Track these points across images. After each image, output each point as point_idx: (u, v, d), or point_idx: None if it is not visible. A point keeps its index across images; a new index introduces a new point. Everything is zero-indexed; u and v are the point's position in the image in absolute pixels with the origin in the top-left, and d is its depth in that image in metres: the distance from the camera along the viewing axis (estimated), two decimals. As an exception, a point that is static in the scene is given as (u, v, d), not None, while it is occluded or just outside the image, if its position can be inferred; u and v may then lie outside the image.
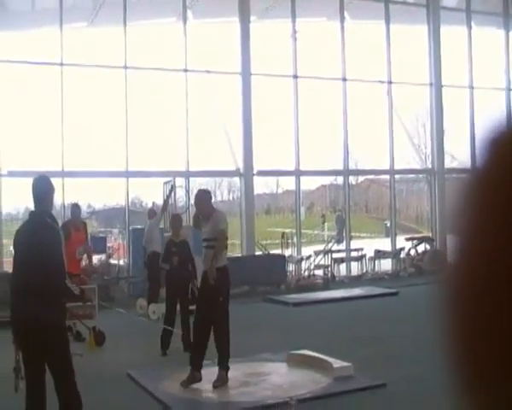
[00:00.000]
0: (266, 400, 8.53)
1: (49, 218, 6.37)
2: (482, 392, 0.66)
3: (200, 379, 9.12)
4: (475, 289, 0.65)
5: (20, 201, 20.52)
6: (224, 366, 9.22)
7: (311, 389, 8.98)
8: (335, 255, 21.68)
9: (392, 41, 23.19)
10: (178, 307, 11.55)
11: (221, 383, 9.14)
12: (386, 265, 22.45)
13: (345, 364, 9.62)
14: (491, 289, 0.63)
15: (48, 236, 6.21)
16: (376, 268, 22.16)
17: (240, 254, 20.77)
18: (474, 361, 0.66)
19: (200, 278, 9.62)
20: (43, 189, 6.47)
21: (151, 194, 20.95)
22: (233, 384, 9.26)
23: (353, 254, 22.33)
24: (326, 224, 29.90)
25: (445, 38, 24.06)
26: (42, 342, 6.00)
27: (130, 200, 20.40)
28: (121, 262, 19.53)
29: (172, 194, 16.62)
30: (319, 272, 20.92)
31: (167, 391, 9.00)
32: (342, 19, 22.60)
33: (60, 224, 8.62)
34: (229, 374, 9.29)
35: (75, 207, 13.42)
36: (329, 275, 20.94)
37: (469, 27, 24.74)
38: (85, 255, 13.11)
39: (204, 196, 9.56)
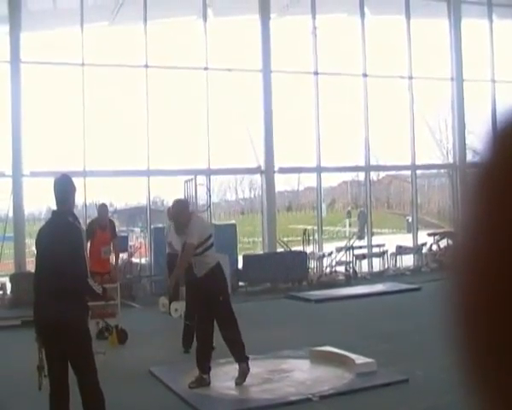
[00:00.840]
0: (289, 396, 8.54)
1: (71, 217, 6.41)
2: (489, 384, 0.66)
3: (209, 383, 9.09)
4: (484, 280, 0.65)
5: (42, 201, 20.69)
6: (242, 360, 9.21)
7: (333, 385, 8.97)
8: (357, 252, 21.62)
9: (413, 36, 23.08)
10: None
11: (243, 377, 9.15)
12: (408, 260, 22.37)
13: (367, 360, 9.60)
14: (498, 280, 0.63)
15: (70, 235, 6.24)
16: (398, 264, 22.08)
17: (261, 252, 20.81)
18: (483, 352, 0.66)
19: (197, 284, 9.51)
20: (64, 188, 6.51)
21: (172, 193, 21.00)
22: (255, 381, 9.26)
23: (375, 250, 22.26)
24: (351, 220, 29.78)
25: (466, 31, 23.91)
26: (64, 340, 6.04)
27: (151, 199, 20.46)
28: (143, 261, 19.60)
29: (194, 192, 16.67)
30: (341, 269, 20.88)
31: (189, 388, 9.02)
32: (362, 14, 22.53)
33: (85, 223, 8.73)
34: (252, 371, 9.29)
35: (102, 207, 13.45)
36: (351, 271, 20.90)
37: (490, 20, 24.56)
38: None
39: (181, 205, 9.49)
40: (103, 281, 11.57)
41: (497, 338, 0.64)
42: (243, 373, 9.15)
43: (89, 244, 12.28)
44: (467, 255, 0.68)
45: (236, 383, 9.11)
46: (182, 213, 9.21)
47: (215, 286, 9.06)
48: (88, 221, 13.90)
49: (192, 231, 8.99)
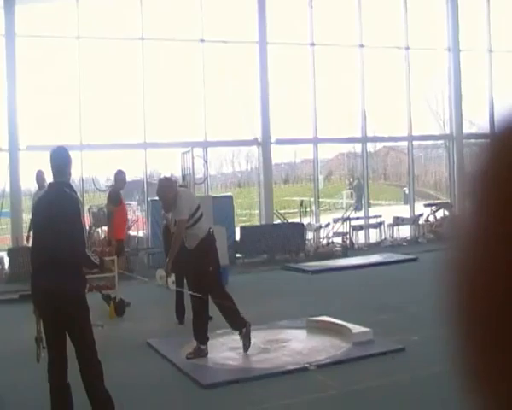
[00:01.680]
0: (286, 366, 8.61)
1: (67, 188, 6.41)
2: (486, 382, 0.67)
3: (206, 354, 9.14)
4: (487, 260, 0.66)
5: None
6: (240, 326, 9.24)
7: (330, 354, 9.04)
8: (354, 223, 21.67)
9: (409, 6, 22.96)
10: None
11: (248, 340, 9.22)
12: (404, 231, 22.42)
13: (364, 329, 9.67)
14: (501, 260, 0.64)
15: (67, 205, 6.25)
16: (395, 235, 22.15)
17: (258, 223, 20.84)
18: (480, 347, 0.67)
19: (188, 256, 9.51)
20: (61, 159, 6.51)
21: (169, 165, 20.98)
22: (253, 351, 9.32)
23: (372, 221, 22.32)
24: (349, 191, 29.70)
25: (463, 1, 23.77)
26: (62, 311, 6.06)
27: (148, 172, 20.44)
28: (140, 234, 19.63)
29: (191, 164, 16.65)
30: (338, 240, 20.93)
31: (187, 359, 9.08)
32: (358, -15, 22.41)
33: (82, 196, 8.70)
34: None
35: (121, 173, 13.29)
36: (348, 242, 20.95)
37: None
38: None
39: (166, 183, 9.41)
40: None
41: (494, 312, 0.64)
42: (246, 337, 9.22)
43: (115, 211, 12.50)
44: (466, 232, 0.69)
45: (245, 350, 9.20)
46: (167, 191, 9.17)
47: (205, 257, 9.09)
48: (110, 189, 13.88)
49: (181, 207, 9.01)
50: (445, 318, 0.69)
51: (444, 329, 0.69)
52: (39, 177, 14.51)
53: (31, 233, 8.64)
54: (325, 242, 20.63)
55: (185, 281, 10.34)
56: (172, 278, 13.58)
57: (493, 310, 0.64)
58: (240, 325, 9.26)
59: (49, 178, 6.54)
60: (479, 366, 0.67)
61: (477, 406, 0.67)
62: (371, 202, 24.06)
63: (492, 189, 0.66)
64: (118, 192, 13.19)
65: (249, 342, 9.25)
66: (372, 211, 23.12)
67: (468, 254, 0.68)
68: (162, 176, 11.36)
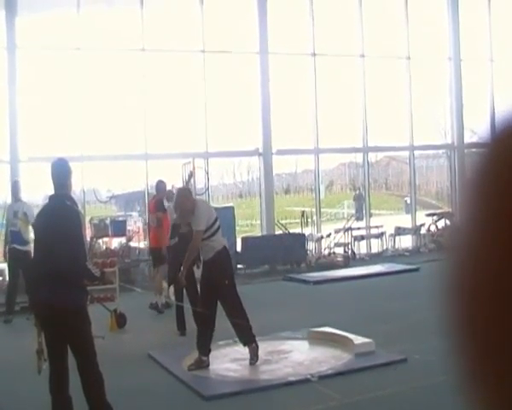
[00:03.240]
0: (288, 377, 8.58)
1: (68, 200, 6.41)
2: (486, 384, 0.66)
3: (208, 365, 9.11)
4: (481, 261, 0.65)
5: (40, 187, 20.65)
6: (250, 342, 9.21)
7: (332, 365, 9.02)
8: (355, 233, 21.65)
9: (410, 16, 22.99)
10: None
11: (256, 356, 9.17)
12: (406, 241, 22.40)
13: (366, 340, 9.64)
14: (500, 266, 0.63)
15: (68, 218, 6.24)
16: (397, 245, 22.13)
17: (260, 234, 20.82)
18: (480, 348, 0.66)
19: (202, 268, 9.50)
20: (61, 172, 6.50)
21: (170, 176, 20.97)
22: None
23: (373, 231, 22.30)
24: (352, 201, 29.64)
25: (464, 11, 23.79)
26: (64, 324, 6.05)
27: (149, 183, 20.43)
28: (141, 245, 19.61)
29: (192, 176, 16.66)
30: (339, 250, 20.91)
31: (188, 370, 9.06)
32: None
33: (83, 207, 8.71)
34: (251, 352, 9.33)
35: (161, 183, 13.88)
36: (350, 253, 20.93)
37: None
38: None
39: (185, 193, 9.40)
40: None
41: (495, 321, 0.64)
42: (254, 353, 9.19)
43: (164, 219, 12.90)
44: (465, 238, 0.68)
45: (251, 363, 9.14)
46: (186, 200, 9.08)
47: (221, 270, 9.03)
48: (153, 199, 14.36)
49: (199, 218, 8.90)
50: (447, 324, 0.69)
51: (446, 339, 0.69)
52: (15, 188, 14.14)
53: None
54: (327, 252, 20.61)
55: (185, 292, 10.35)
56: (173, 289, 13.63)
57: (494, 315, 0.63)
58: (250, 339, 9.24)
59: (50, 190, 6.52)
60: (480, 370, 0.66)
61: None
62: (373, 211, 24.03)
63: (492, 192, 0.66)
64: (162, 201, 13.57)
65: (256, 359, 9.20)
66: (373, 221, 23.09)
67: (468, 259, 0.67)
68: (179, 186, 11.41)
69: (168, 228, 12.68)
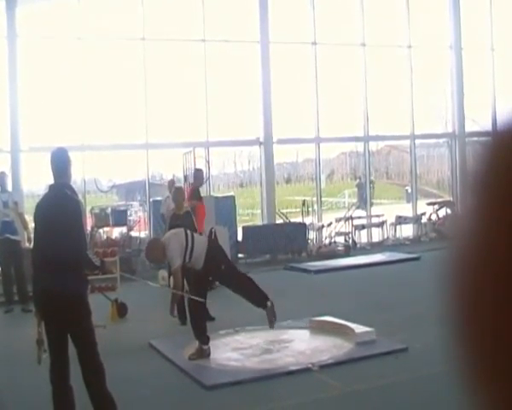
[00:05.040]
0: (289, 366, 8.59)
1: (68, 190, 6.39)
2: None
3: (209, 354, 9.14)
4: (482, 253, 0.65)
5: (41, 177, 20.64)
6: (265, 303, 9.34)
7: (333, 354, 9.03)
8: (356, 222, 21.64)
9: (411, 4, 22.92)
10: None
11: (273, 316, 9.31)
12: (407, 230, 22.40)
13: (367, 329, 9.65)
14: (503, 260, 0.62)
15: (68, 207, 6.23)
16: (398, 234, 22.13)
17: (261, 223, 20.82)
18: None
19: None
20: (61, 161, 6.48)
21: (171, 166, 20.96)
22: (255, 352, 9.31)
23: (374, 220, 22.29)
24: (354, 190, 29.56)
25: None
26: (64, 313, 6.04)
27: (150, 172, 20.42)
28: (142, 234, 19.60)
29: (192, 164, 16.66)
30: (340, 239, 20.91)
31: (189, 359, 9.07)
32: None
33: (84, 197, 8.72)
34: (252, 342, 9.35)
35: (199, 172, 14.12)
36: (350, 242, 20.93)
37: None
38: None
39: (151, 246, 9.54)
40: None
41: (495, 310, 0.63)
42: (271, 313, 9.32)
43: (199, 207, 12.98)
44: (468, 228, 0.68)
45: (271, 327, 9.34)
46: (156, 251, 9.26)
47: (213, 264, 9.12)
48: (190, 186, 14.53)
49: (172, 256, 9.02)
50: (448, 316, 0.68)
51: (446, 328, 0.68)
52: (2, 179, 13.94)
53: None
54: (327, 241, 20.61)
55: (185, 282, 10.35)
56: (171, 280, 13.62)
57: (495, 308, 0.63)
58: (263, 301, 9.32)
59: (49, 179, 6.51)
60: (481, 366, 0.66)
61: (480, 406, 0.66)
62: (373, 200, 24.02)
63: (494, 187, 0.65)
64: (198, 189, 13.71)
65: (274, 318, 9.30)
66: (374, 210, 23.07)
67: (470, 252, 0.67)
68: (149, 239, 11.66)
69: (203, 216, 12.74)
